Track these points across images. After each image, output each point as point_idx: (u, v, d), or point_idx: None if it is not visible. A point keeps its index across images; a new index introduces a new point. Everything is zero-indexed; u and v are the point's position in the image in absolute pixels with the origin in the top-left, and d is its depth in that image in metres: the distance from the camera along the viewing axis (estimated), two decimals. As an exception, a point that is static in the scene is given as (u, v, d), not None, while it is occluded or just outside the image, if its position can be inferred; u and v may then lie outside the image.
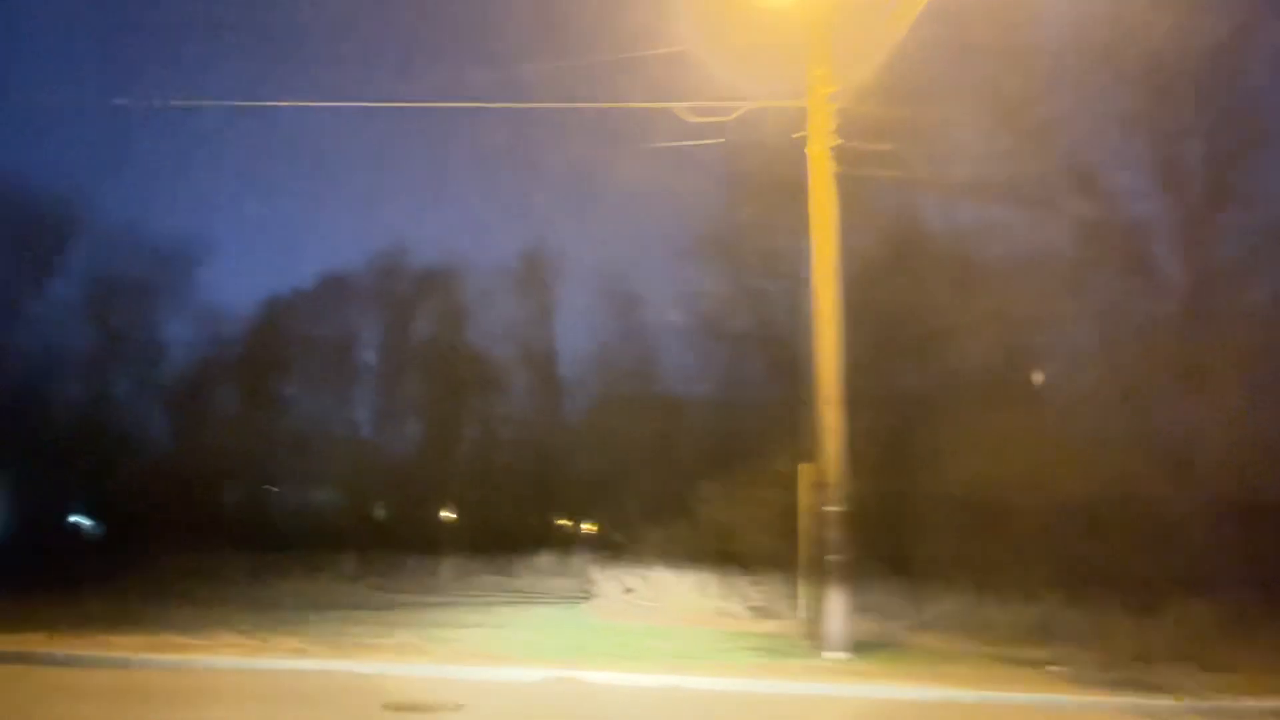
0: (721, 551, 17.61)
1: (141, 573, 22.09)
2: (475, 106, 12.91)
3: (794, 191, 15.36)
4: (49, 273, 27.01)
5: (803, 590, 14.12)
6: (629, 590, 17.89)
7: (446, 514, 31.74)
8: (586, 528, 32.23)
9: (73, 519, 27.39)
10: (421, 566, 26.25)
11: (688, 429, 24.23)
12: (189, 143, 41.48)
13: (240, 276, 44.42)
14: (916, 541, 15.76)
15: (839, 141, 11.94)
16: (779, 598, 15.58)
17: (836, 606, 11.39)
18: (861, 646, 11.57)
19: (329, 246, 36.84)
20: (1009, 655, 11.85)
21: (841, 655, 11.16)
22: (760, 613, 15.52)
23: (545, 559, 26.75)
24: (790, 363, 20.15)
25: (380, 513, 31.02)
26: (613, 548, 22.59)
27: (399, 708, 8.36)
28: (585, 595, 19.26)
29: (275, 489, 28.51)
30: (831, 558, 11.54)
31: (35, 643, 11.01)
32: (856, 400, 12.62)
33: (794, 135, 12.35)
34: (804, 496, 13.61)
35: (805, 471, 13.54)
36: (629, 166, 23.86)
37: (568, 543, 30.24)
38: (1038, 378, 17.80)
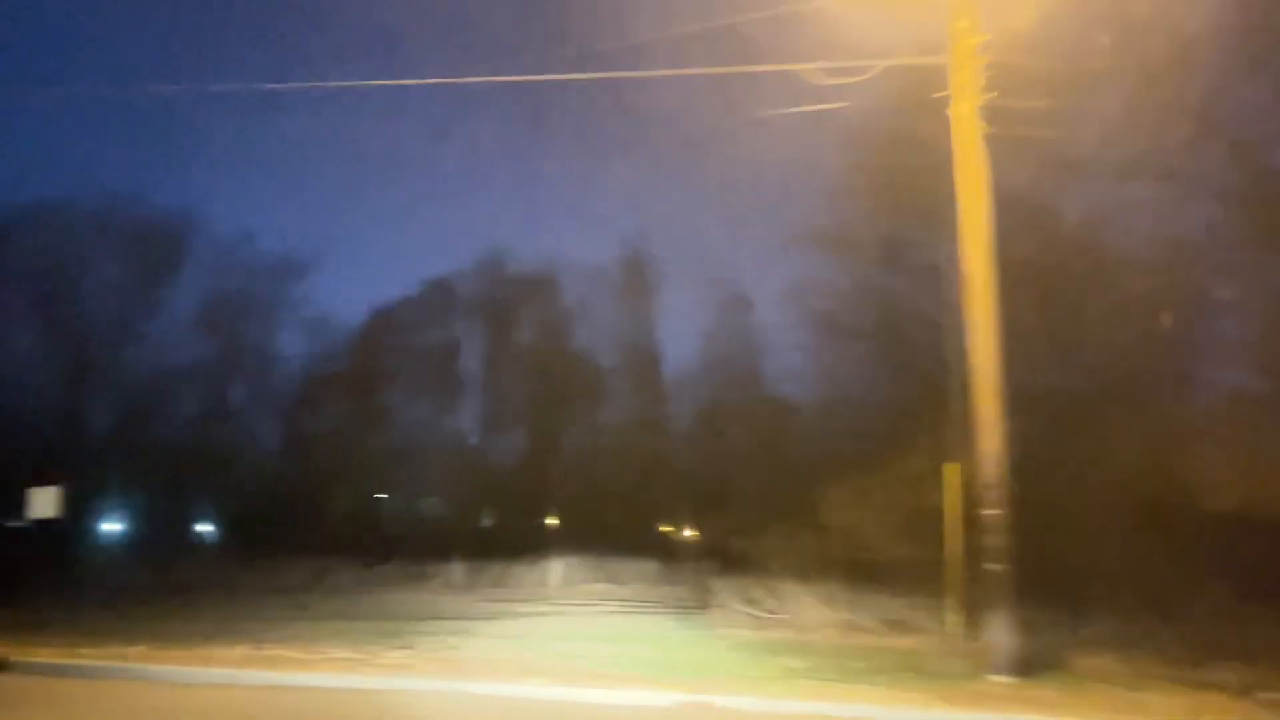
0: (848, 560, 16.15)
1: (252, 581, 21.82)
2: (580, 79, 11.70)
3: (925, 166, 13.93)
4: (166, 287, 27.11)
5: (949, 602, 12.58)
6: (750, 601, 16.52)
7: (550, 521, 30.95)
8: (689, 534, 31.00)
9: (197, 527, 27.44)
10: (528, 575, 25.42)
11: (803, 431, 22.77)
12: (294, 155, 41.61)
13: (348, 284, 44.39)
14: (1070, 549, 13.99)
15: (991, 95, 10.40)
16: (917, 609, 14.02)
17: (999, 622, 9.84)
18: (1027, 667, 9.97)
19: (434, 252, 36.19)
20: (1196, 679, 10.09)
21: (1009, 678, 9.60)
22: (896, 626, 13.94)
23: (652, 566, 25.61)
24: (916, 359, 18.60)
25: (486, 521, 30.34)
26: (728, 556, 21.23)
27: (519, 739, 7.22)
28: (700, 605, 17.97)
29: (383, 497, 28.01)
30: (991, 567, 9.98)
31: (136, 656, 10.27)
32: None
33: (935, 95, 10.85)
34: (950, 499, 12.10)
35: (951, 472, 12.04)
36: (739, 152, 22.57)
37: (673, 550, 29.11)
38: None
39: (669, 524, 31.37)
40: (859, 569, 15.82)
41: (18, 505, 15.46)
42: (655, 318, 29.35)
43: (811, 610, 15.44)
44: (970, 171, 10.57)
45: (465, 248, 38.02)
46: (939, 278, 17.64)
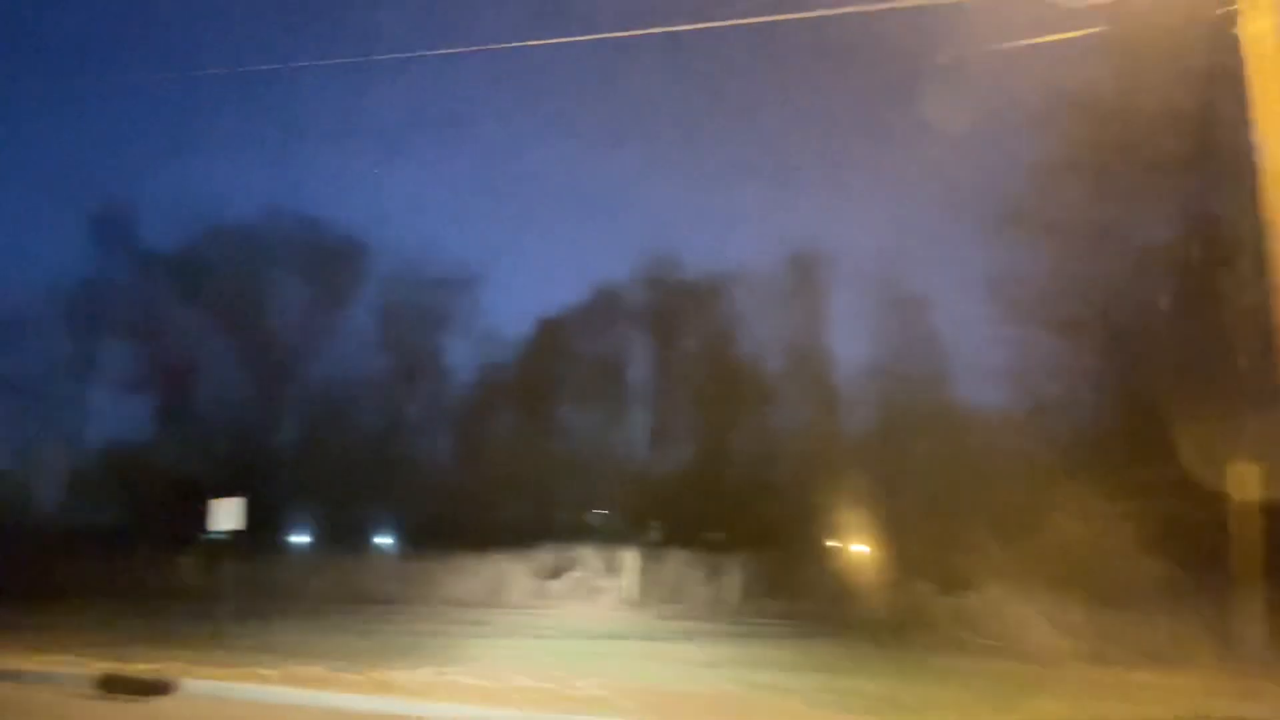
0: (1078, 578, 13.71)
1: (429, 592, 21.19)
2: (756, 21, 9.83)
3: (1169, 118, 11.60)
4: (346, 303, 27.13)
5: (1244, 632, 10.13)
6: (963, 623, 14.32)
7: (714, 535, 29.27)
8: (859, 549, 28.68)
9: (376, 538, 27.20)
10: (702, 591, 23.93)
11: (1001, 435, 20.23)
12: (462, 166, 41.29)
13: (519, 294, 43.53)
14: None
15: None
16: (1177, 638, 11.52)
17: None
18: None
19: (599, 259, 34.76)
20: None
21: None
22: (1157, 658, 11.45)
23: (832, 582, 23.65)
24: (1143, 353, 15.99)
25: (654, 534, 28.94)
26: (920, 573, 18.96)
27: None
28: (899, 627, 15.88)
29: (554, 510, 27.04)
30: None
31: (311, 679, 9.13)
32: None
33: (1220, 11, 8.57)
34: (1242, 506, 9.72)
35: (1245, 474, 9.65)
36: (920, 130, 20.30)
37: (851, 565, 26.96)
38: None
39: (844, 537, 29.19)
40: (1091, 589, 13.39)
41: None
42: (826, 320, 27.21)
43: (1040, 636, 13.13)
44: (1275, 101, 8.24)
45: (630, 253, 36.26)
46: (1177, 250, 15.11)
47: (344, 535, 25.68)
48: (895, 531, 23.70)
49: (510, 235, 39.54)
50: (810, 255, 26.53)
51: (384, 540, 27.22)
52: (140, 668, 9.43)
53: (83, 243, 28.09)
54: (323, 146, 42.32)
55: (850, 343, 33.95)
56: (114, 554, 21.36)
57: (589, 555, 24.18)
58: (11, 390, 25.10)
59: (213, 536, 14.74)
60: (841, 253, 27.00)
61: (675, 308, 26.47)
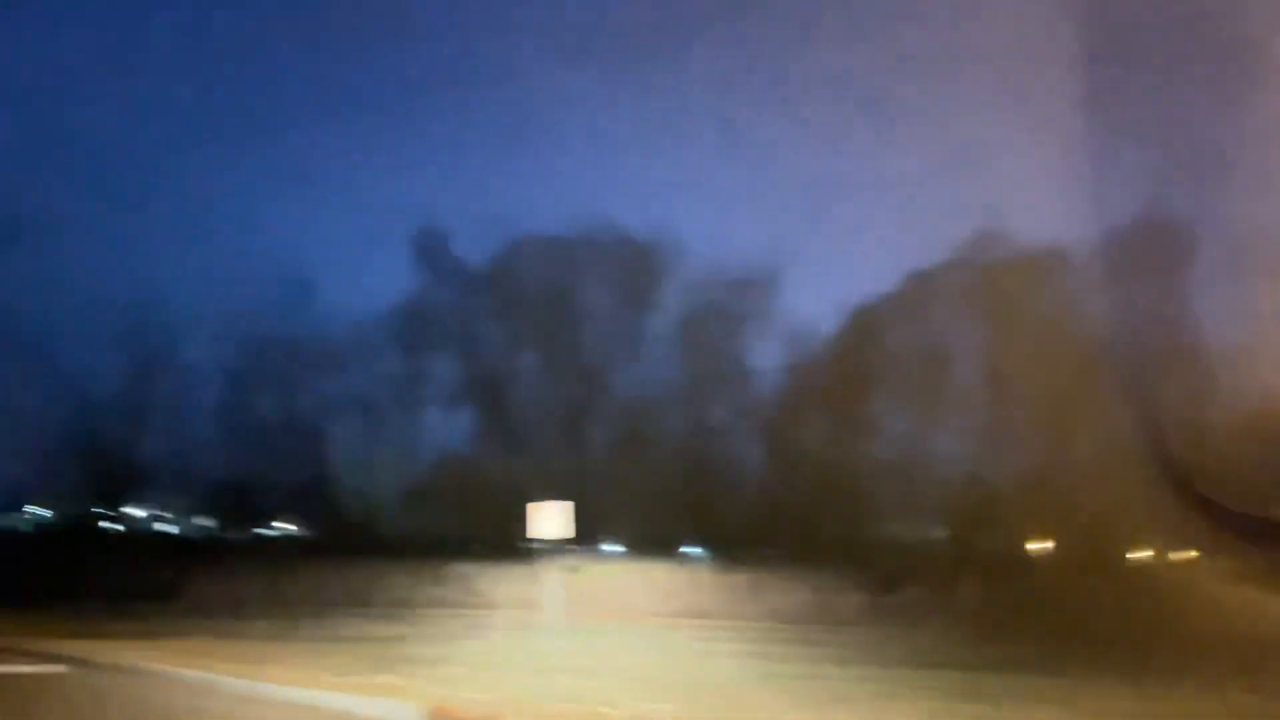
0: None
1: (747, 606, 19.51)
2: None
3: None
4: (649, 308, 26.49)
5: None
6: None
7: (1041, 544, 25.50)
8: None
9: (688, 549, 26.19)
10: (1052, 615, 20.45)
11: None
12: (758, 156, 38.64)
13: (827, 285, 40.00)
14: None
15: None
16: None
17: None
18: None
19: (915, 240, 30.32)
20: None
21: None
22: None
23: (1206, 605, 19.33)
24: None
25: (985, 545, 25.60)
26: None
27: None
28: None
29: (877, 520, 24.59)
30: None
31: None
32: None
33: None
34: None
35: None
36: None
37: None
38: None
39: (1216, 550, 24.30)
40: None
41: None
42: (1189, 294, 22.77)
43: None
44: None
45: (949, 230, 30.86)
46: None
47: (655, 544, 24.85)
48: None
49: (813, 222, 36.42)
50: (1167, 220, 22.27)
51: (695, 550, 26.14)
52: (471, 698, 8.19)
53: (405, 262, 29.06)
54: (620, 147, 41.52)
55: (1219, 320, 27.89)
56: (441, 564, 21.64)
57: (916, 570, 21.51)
58: (350, 409, 26.78)
59: (535, 545, 13.82)
60: (1204, 213, 22.14)
61: (1005, 289, 23.12)
